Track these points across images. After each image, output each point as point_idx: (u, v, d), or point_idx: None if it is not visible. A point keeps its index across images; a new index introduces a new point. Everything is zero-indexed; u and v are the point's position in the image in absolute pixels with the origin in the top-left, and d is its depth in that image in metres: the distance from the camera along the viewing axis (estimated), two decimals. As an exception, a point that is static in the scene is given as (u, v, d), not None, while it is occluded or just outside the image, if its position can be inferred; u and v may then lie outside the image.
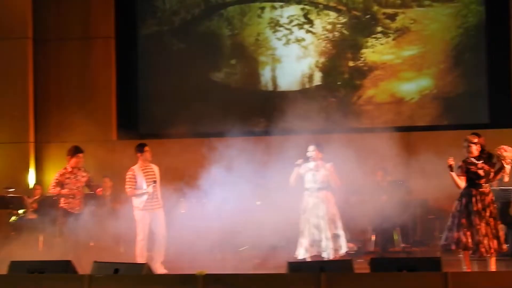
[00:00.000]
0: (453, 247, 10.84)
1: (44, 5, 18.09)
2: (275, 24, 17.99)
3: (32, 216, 15.70)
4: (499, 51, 16.76)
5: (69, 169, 12.38)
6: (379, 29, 17.53)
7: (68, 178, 12.30)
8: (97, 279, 8.23)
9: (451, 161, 10.85)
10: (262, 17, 18.04)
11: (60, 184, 12.28)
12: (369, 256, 11.11)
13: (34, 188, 16.79)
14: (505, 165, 10.76)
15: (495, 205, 10.94)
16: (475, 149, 10.95)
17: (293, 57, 17.82)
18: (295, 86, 17.69)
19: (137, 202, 12.54)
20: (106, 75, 18.01)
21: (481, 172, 10.82)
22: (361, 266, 9.45)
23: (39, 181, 17.46)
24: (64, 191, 12.27)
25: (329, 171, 12.17)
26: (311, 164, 12.25)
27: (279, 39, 17.96)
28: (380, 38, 17.54)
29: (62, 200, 12.37)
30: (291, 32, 17.89)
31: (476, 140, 10.97)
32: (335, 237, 12.06)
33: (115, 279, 8.34)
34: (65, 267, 8.66)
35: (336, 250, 12.02)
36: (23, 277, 8.45)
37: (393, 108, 17.03)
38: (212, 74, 17.89)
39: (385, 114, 16.98)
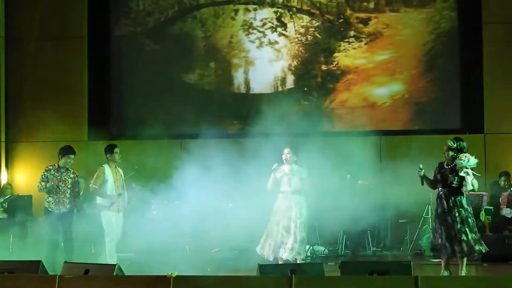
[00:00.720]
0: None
1: (18, 5, 17.98)
2: (248, 27, 17.99)
3: (3, 215, 15.58)
4: (471, 57, 16.86)
5: (56, 167, 12.40)
6: (352, 33, 17.58)
7: (53, 175, 12.31)
8: (67, 279, 8.19)
9: (421, 174, 10.96)
10: (236, 20, 18.04)
11: (46, 180, 12.29)
12: (340, 259, 11.14)
13: (4, 187, 16.67)
14: (461, 174, 10.81)
15: (461, 209, 10.89)
16: (447, 155, 11.00)
17: (266, 60, 17.83)
18: (268, 89, 17.71)
19: (105, 202, 12.46)
20: (79, 75, 17.92)
21: (444, 177, 10.91)
22: (332, 269, 9.49)
23: (9, 180, 17.35)
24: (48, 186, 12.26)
25: (303, 175, 12.18)
26: (287, 168, 12.25)
27: (252, 41, 17.97)
28: (353, 42, 17.59)
29: (46, 198, 12.37)
30: (264, 35, 17.90)
31: (449, 145, 11.00)
32: (302, 241, 12.09)
33: (85, 280, 8.31)
34: (36, 267, 8.61)
35: (299, 254, 12.06)
36: (-8, 277, 8.39)
37: (366, 112, 17.08)
38: (185, 76, 17.87)
39: (357, 118, 17.02)
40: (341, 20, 17.63)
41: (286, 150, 12.30)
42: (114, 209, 12.38)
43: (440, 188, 11.05)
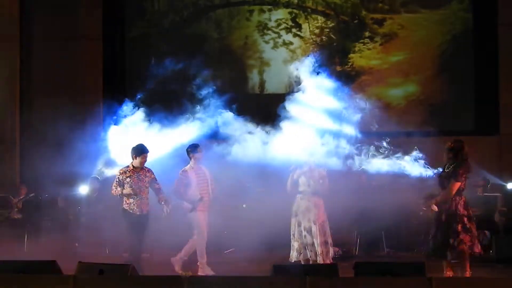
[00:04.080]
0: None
1: (32, 5, 18.06)
2: (263, 28, 18.02)
3: (17, 215, 15.63)
4: (486, 59, 16.84)
5: (131, 168, 11.80)
6: (367, 34, 17.61)
7: (130, 177, 11.73)
8: (83, 279, 8.22)
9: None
10: (251, 20, 18.09)
11: (121, 184, 11.73)
12: (354, 260, 11.12)
13: (19, 187, 16.71)
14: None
15: (452, 212, 10.77)
16: (445, 156, 10.91)
17: (281, 61, 17.85)
18: (282, 89, 17.71)
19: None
20: (94, 76, 17.99)
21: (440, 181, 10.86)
22: (346, 270, 9.48)
23: (24, 180, 17.39)
24: (125, 191, 11.64)
25: (321, 175, 12.15)
26: (305, 168, 12.23)
27: (267, 42, 17.99)
28: (367, 43, 17.62)
29: (125, 199, 11.77)
30: (279, 36, 17.93)
31: (446, 148, 10.92)
32: (325, 243, 12.02)
33: (100, 280, 8.33)
34: (50, 267, 8.64)
35: (326, 255, 11.99)
36: (7, 277, 8.41)
37: (380, 113, 17.03)
38: (200, 77, 17.87)
39: (371, 118, 16.98)
40: (356, 21, 17.65)
41: (305, 151, 12.26)
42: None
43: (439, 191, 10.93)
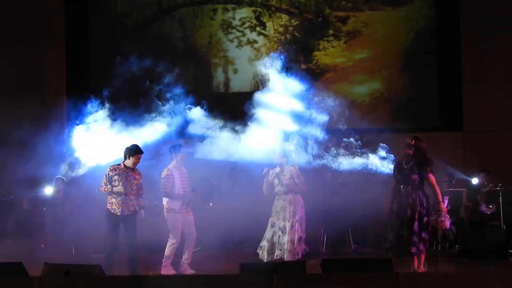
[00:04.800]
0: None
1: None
2: (227, 26, 18.01)
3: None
4: (449, 55, 16.96)
5: (122, 167, 11.55)
6: (331, 32, 17.65)
7: (118, 175, 11.47)
8: (48, 281, 8.16)
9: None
10: (215, 19, 18.06)
11: (110, 181, 11.46)
12: (321, 257, 11.14)
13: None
14: None
15: (414, 208, 10.81)
16: (404, 152, 10.93)
17: (245, 59, 17.85)
18: (247, 88, 17.71)
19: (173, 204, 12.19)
20: (56, 76, 17.88)
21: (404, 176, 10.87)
22: (313, 267, 9.50)
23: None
24: (116, 188, 11.39)
25: (295, 173, 12.15)
26: (278, 169, 12.24)
27: (231, 41, 17.99)
28: (332, 41, 17.65)
29: (109, 199, 11.53)
30: (244, 34, 17.92)
31: (407, 144, 10.94)
32: (299, 240, 12.03)
33: (66, 281, 8.28)
34: (16, 269, 8.57)
35: (296, 253, 11.99)
36: (-28, 279, 8.33)
37: (345, 110, 17.07)
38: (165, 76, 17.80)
39: (336, 116, 17.01)
40: (320, 19, 17.69)
41: (276, 152, 12.27)
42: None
43: (402, 186, 10.92)
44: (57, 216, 14.45)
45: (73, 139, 13.67)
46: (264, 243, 12.06)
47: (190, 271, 11.97)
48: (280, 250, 11.89)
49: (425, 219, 10.71)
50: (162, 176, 12.11)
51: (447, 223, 11.53)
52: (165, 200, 12.14)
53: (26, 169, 14.81)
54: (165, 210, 12.14)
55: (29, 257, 11.00)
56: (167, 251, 12.07)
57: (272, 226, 12.08)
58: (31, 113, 16.28)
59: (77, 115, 13.82)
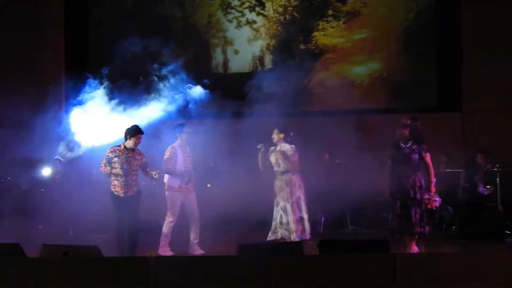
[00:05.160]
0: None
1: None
2: (226, 6, 17.96)
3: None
4: (448, 36, 16.93)
5: (122, 148, 11.41)
6: (330, 12, 17.59)
7: (118, 156, 11.37)
8: (46, 262, 8.18)
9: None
10: (214, -1, 18.04)
11: (110, 162, 11.39)
12: (319, 238, 11.16)
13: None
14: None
15: (415, 189, 10.83)
16: (400, 132, 10.92)
17: (245, 40, 17.82)
18: (246, 69, 17.70)
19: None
20: (56, 60, 17.86)
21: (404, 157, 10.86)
22: (311, 248, 9.51)
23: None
24: (115, 170, 11.31)
25: (288, 153, 12.17)
26: (273, 147, 12.28)
27: (230, 21, 17.94)
28: (331, 21, 17.60)
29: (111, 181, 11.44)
30: (243, 15, 17.87)
31: (403, 124, 10.94)
32: (301, 220, 12.07)
33: (64, 262, 8.29)
34: (14, 250, 8.58)
35: (301, 232, 12.03)
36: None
37: (344, 91, 17.08)
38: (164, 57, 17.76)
39: (336, 97, 17.03)
40: (319, -1, 17.65)
41: (274, 131, 12.29)
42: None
43: (401, 166, 10.91)
44: (55, 197, 14.45)
45: (71, 120, 13.66)
46: (272, 222, 12.13)
47: (199, 251, 12.02)
48: (285, 230, 11.95)
49: (423, 199, 10.74)
50: (166, 153, 12.15)
51: (436, 203, 11.49)
52: (166, 177, 12.19)
53: (23, 151, 14.81)
54: (165, 187, 12.18)
55: (26, 238, 11.01)
56: (164, 229, 12.10)
57: (277, 205, 12.15)
58: (29, 94, 16.29)
59: (75, 96, 13.80)
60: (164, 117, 13.00)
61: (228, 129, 14.07)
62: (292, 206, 12.03)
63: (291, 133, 12.37)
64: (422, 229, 10.66)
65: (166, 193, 12.20)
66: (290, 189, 12.11)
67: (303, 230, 12.11)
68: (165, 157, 12.17)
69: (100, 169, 11.52)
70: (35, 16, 17.93)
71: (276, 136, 12.25)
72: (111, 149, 11.46)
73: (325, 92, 17.17)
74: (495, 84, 16.51)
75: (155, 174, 11.46)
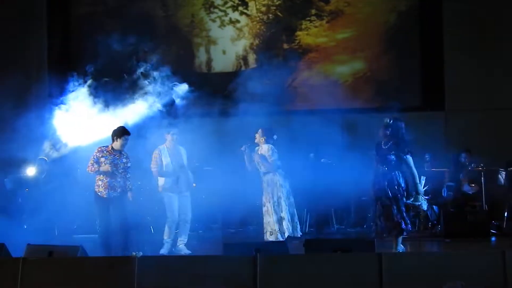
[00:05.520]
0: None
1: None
2: (209, 6, 17.94)
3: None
4: (431, 35, 16.98)
5: (109, 149, 11.36)
6: (313, 11, 17.60)
7: (104, 157, 11.31)
8: (31, 262, 8.15)
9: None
10: (197, -2, 18.01)
11: (97, 162, 11.32)
12: (304, 237, 11.17)
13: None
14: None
15: (391, 189, 10.88)
16: (382, 132, 10.93)
17: (228, 39, 17.81)
18: (229, 68, 17.68)
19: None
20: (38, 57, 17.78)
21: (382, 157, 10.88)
22: (296, 248, 9.53)
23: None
24: (103, 168, 11.24)
25: (266, 153, 12.15)
26: (257, 148, 12.28)
27: (213, 20, 17.92)
28: (314, 20, 17.62)
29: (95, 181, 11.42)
30: (226, 14, 17.85)
31: (385, 123, 10.95)
32: (280, 220, 12.05)
33: (49, 262, 8.28)
34: (-2, 250, 8.57)
35: (282, 233, 12.01)
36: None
37: (328, 90, 17.08)
38: (147, 56, 17.72)
39: (320, 96, 17.03)
40: (303, -2, 17.66)
41: (258, 132, 12.28)
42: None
43: (379, 166, 10.95)
44: (39, 197, 14.39)
45: (54, 119, 13.60)
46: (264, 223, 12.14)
47: (186, 251, 11.97)
48: (267, 231, 11.96)
49: (403, 199, 10.74)
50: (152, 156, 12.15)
51: (424, 206, 11.54)
52: (159, 180, 12.16)
53: (7, 150, 14.74)
54: (159, 189, 12.17)
55: (11, 238, 10.95)
56: (165, 230, 12.08)
57: (263, 205, 12.14)
58: (13, 93, 16.20)
59: (59, 94, 13.74)
60: (149, 116, 12.97)
61: (212, 128, 14.08)
62: (273, 206, 12.02)
63: (275, 136, 12.35)
64: (405, 226, 10.66)
65: (163, 195, 12.18)
66: (272, 189, 12.10)
67: (284, 230, 12.05)
68: (152, 160, 12.16)
69: (88, 169, 11.44)
70: (18, 14, 17.84)
71: (258, 136, 12.24)
72: (99, 149, 11.41)
73: (309, 91, 17.16)
74: (478, 83, 16.59)
75: (129, 196, 11.44)
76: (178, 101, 13.05)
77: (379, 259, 7.83)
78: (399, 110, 14.51)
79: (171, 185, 12.05)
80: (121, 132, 11.33)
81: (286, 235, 11.98)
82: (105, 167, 11.21)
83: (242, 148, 12.24)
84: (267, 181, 12.13)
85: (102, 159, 11.26)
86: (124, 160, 11.42)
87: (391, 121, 10.79)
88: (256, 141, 12.27)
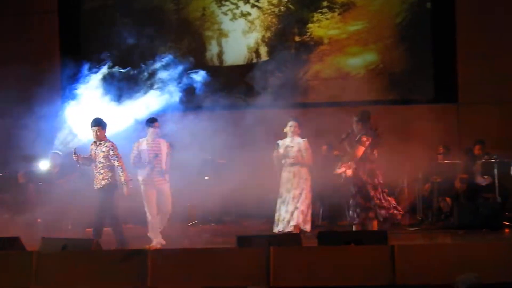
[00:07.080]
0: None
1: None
2: (220, -1, 17.94)
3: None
4: (444, 26, 16.91)
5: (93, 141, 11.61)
6: (325, 3, 17.55)
7: (91, 149, 11.58)
8: (45, 255, 8.19)
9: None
10: (208, -9, 18.00)
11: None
12: (317, 229, 11.19)
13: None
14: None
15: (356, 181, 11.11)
16: (355, 127, 11.19)
17: (239, 32, 17.79)
18: (241, 61, 17.67)
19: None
20: (50, 51, 17.81)
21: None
22: (309, 240, 9.53)
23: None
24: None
25: (303, 146, 12.23)
26: (288, 140, 12.31)
27: (225, 13, 17.90)
28: (326, 13, 17.56)
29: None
30: (237, 7, 17.84)
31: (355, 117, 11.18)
32: (302, 212, 12.08)
33: (63, 255, 8.31)
34: (13, 243, 8.60)
35: (304, 224, 12.06)
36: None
37: (339, 83, 17.07)
38: (158, 50, 17.73)
39: (331, 89, 17.02)
40: (314, -10, 17.62)
41: (290, 123, 12.32)
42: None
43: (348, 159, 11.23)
44: (53, 191, 14.43)
45: (67, 113, 13.63)
46: (275, 215, 12.15)
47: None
48: (283, 221, 11.98)
49: (368, 190, 10.91)
50: None
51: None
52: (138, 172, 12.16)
53: (21, 144, 14.78)
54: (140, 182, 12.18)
55: (26, 231, 11.02)
56: (149, 228, 12.05)
57: (280, 197, 12.16)
58: (25, 87, 16.25)
59: (71, 87, 13.78)
60: (165, 107, 13.00)
61: (224, 121, 14.06)
62: (294, 198, 12.06)
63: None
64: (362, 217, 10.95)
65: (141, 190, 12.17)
66: (298, 180, 12.17)
67: (304, 222, 12.09)
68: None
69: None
70: (29, 8, 17.89)
71: (295, 128, 12.30)
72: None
73: (321, 83, 17.16)
74: (491, 75, 16.51)
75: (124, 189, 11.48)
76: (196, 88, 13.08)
77: (392, 251, 7.84)
78: (412, 102, 14.52)
79: (144, 177, 11.98)
80: (90, 123, 11.55)
81: (305, 226, 12.04)
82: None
83: (277, 143, 12.29)
84: (293, 172, 12.18)
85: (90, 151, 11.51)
86: (104, 150, 11.46)
87: (359, 116, 11.08)
88: (290, 134, 12.28)
